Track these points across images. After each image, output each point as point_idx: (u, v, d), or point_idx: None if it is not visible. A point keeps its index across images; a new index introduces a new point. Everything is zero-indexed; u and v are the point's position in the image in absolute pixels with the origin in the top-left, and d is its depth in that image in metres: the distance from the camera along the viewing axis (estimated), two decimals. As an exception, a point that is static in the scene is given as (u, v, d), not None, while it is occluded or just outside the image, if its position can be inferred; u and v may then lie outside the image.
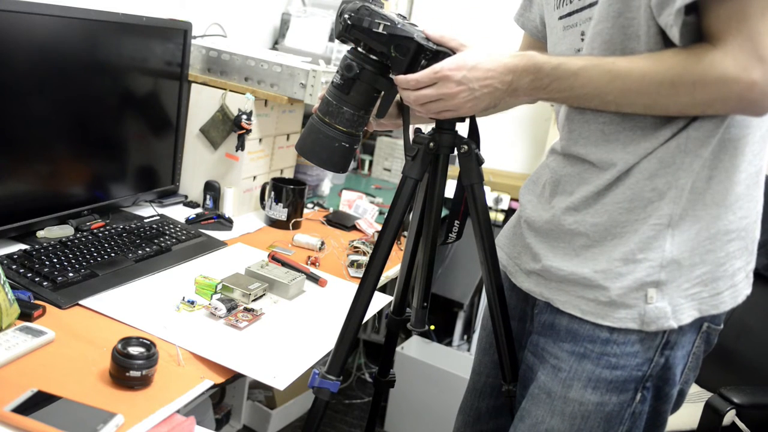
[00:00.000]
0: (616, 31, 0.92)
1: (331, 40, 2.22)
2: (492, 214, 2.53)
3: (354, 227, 1.96)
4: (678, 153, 0.93)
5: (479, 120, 1.09)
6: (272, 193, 1.85)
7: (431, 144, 1.04)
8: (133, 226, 1.58)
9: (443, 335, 2.68)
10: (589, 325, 0.99)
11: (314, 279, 1.52)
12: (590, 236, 0.99)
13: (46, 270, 1.28)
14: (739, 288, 1.00)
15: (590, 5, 0.97)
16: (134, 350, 1.01)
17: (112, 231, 1.53)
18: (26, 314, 1.12)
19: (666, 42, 0.89)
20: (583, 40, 1.00)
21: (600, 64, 0.91)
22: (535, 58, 0.94)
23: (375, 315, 2.36)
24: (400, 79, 0.99)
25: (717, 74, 0.84)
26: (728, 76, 0.83)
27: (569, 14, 1.02)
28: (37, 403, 0.91)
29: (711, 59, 0.84)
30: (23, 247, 1.37)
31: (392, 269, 1.68)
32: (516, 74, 0.94)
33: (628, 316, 0.96)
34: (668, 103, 0.89)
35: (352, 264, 1.65)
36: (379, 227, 1.11)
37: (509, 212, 2.57)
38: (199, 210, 1.84)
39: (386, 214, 1.06)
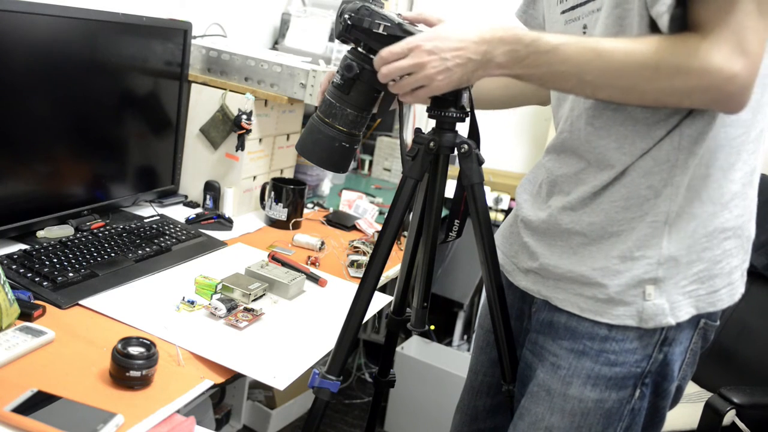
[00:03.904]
0: (611, 21, 0.93)
1: (331, 40, 2.21)
2: (492, 214, 2.53)
3: (354, 227, 1.96)
4: (672, 150, 0.93)
5: (480, 120, 1.09)
6: (272, 193, 1.85)
7: (431, 144, 1.04)
8: (133, 226, 1.58)
9: (443, 335, 2.68)
10: (588, 322, 0.99)
11: (314, 279, 1.52)
12: (587, 235, 0.99)
13: (46, 270, 1.28)
14: (735, 286, 1.00)
15: None
16: (134, 350, 1.01)
17: (112, 231, 1.53)
18: (26, 314, 1.12)
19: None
20: (585, 33, 0.99)
21: (582, 41, 0.90)
22: (515, 29, 0.92)
23: (375, 315, 2.36)
24: (379, 55, 0.95)
25: (700, 62, 0.83)
26: (711, 66, 0.83)
27: (572, 8, 1.02)
28: (37, 403, 0.91)
29: (696, 47, 0.84)
30: (23, 247, 1.37)
31: (392, 269, 1.68)
32: (492, 44, 0.91)
33: (626, 313, 0.96)
34: (647, 88, 0.88)
35: (352, 264, 1.65)
36: (379, 227, 1.11)
37: (509, 212, 2.55)
38: (199, 210, 1.84)
39: (386, 214, 1.06)
